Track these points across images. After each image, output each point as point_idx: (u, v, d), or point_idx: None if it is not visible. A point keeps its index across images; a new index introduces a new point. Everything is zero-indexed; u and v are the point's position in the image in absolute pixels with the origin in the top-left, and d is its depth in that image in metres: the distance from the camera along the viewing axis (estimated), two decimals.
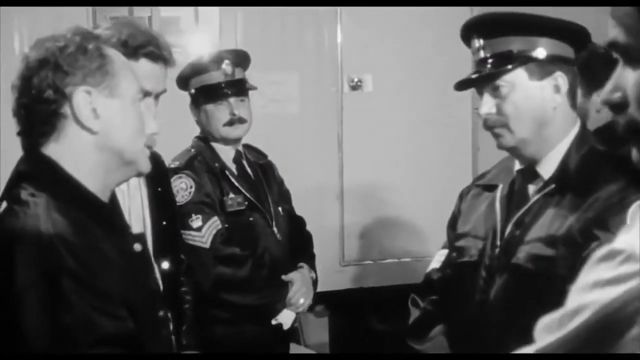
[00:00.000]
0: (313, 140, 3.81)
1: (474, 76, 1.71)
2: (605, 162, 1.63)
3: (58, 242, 1.17)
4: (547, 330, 0.85)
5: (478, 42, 1.69)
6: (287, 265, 2.63)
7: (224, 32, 3.69)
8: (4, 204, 1.26)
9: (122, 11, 3.76)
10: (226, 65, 2.54)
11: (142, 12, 3.63)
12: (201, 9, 3.68)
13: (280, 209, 2.70)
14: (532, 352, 0.87)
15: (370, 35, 3.85)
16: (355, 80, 3.85)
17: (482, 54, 1.68)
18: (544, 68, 1.63)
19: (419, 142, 3.95)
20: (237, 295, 2.45)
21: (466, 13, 4.00)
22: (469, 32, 1.73)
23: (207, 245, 2.43)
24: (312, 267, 2.71)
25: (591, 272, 0.81)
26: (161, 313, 1.40)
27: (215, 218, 2.47)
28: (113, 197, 1.44)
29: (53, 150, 1.29)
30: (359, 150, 3.88)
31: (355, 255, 3.96)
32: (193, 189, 2.46)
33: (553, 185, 1.65)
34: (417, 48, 3.90)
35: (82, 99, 1.27)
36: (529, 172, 1.72)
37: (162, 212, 1.96)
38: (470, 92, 3.99)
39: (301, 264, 2.67)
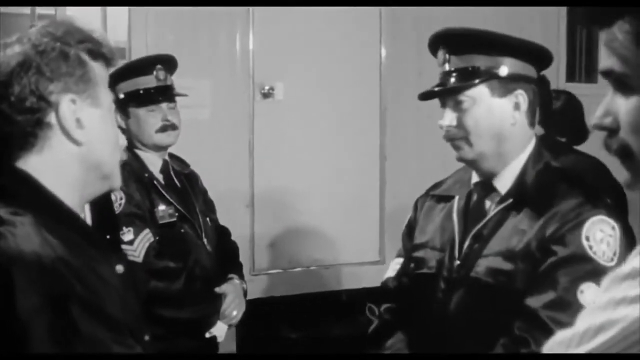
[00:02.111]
0: (224, 147, 3.77)
1: (437, 89, 1.74)
2: (561, 179, 1.70)
3: (60, 265, 1.08)
4: (566, 346, 0.87)
5: (444, 55, 1.73)
6: (218, 277, 2.58)
7: (134, 36, 3.56)
8: None
9: (24, 11, 3.56)
10: (159, 70, 2.46)
11: (45, 11, 3.45)
12: (110, 9, 3.54)
13: (208, 219, 2.64)
14: None
15: (282, 43, 3.85)
16: (267, 88, 3.84)
17: (447, 67, 1.72)
18: (506, 86, 1.69)
19: (328, 151, 3.99)
20: (172, 310, 2.37)
21: (375, 18, 4.11)
22: (436, 44, 1.76)
23: (140, 259, 2.32)
24: (242, 277, 2.67)
25: (614, 290, 0.85)
26: (147, 337, 1.30)
27: (147, 231, 2.37)
28: None
29: (34, 163, 1.19)
30: (270, 158, 3.87)
31: (265, 264, 3.94)
32: (123, 201, 2.35)
33: (511, 200, 1.70)
34: (328, 57, 3.95)
35: (68, 108, 1.18)
36: (486, 185, 1.76)
37: (105, 225, 1.87)
38: (379, 102, 4.10)
39: (231, 275, 2.62)
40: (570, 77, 4.54)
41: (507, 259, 1.64)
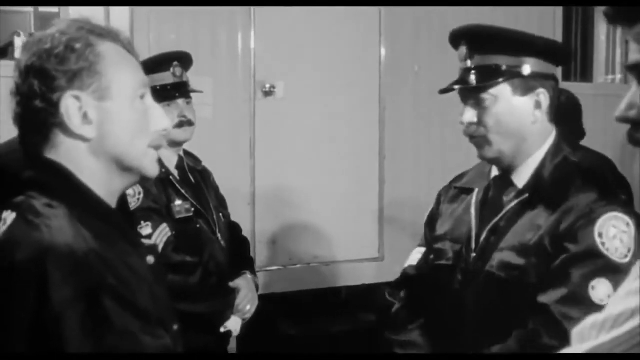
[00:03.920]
0: (225, 146, 3.80)
1: (456, 87, 1.75)
2: (577, 173, 1.71)
3: (93, 257, 1.09)
4: (598, 329, 0.91)
5: (466, 52, 1.73)
6: (230, 272, 2.61)
7: (136, 34, 3.57)
8: (12, 215, 1.14)
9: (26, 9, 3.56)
10: (175, 67, 2.48)
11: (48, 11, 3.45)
12: (112, 10, 3.55)
13: (221, 215, 2.67)
14: (586, 350, 0.93)
15: (283, 43, 3.89)
16: (268, 86, 3.87)
17: (469, 63, 1.73)
18: (528, 84, 1.69)
19: (328, 149, 4.03)
20: (187, 304, 2.38)
21: (375, 18, 4.15)
22: (457, 40, 1.76)
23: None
24: (253, 272, 2.70)
25: None
26: (175, 327, 1.31)
27: (165, 225, 2.40)
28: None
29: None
30: (270, 156, 3.90)
31: (266, 261, 3.97)
32: (141, 195, 2.37)
33: (527, 195, 1.71)
34: (328, 56, 3.99)
35: (72, 105, 1.17)
36: (504, 180, 1.78)
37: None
38: (378, 101, 4.15)
39: (244, 270, 2.65)
40: (566, 76, 4.62)
41: (520, 254, 1.65)
